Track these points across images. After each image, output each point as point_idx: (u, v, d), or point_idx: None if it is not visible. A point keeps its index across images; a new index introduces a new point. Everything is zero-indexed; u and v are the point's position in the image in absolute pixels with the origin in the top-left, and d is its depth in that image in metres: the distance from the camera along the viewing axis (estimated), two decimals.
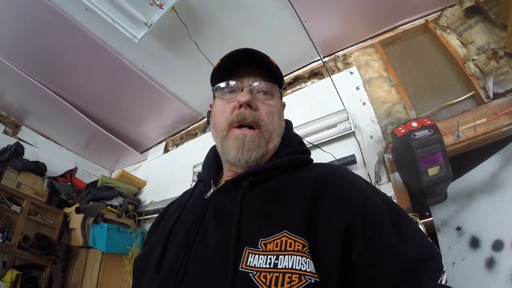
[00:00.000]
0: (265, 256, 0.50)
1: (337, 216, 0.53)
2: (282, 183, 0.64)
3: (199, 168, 2.78)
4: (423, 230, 1.42)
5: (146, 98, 3.03)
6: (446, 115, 1.76)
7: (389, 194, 1.60)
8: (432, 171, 1.36)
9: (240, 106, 0.70)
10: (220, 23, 2.27)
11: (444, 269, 0.52)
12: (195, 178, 2.47)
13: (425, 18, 2.15)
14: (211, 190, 0.71)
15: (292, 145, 0.75)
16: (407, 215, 0.60)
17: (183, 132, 3.53)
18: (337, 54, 2.50)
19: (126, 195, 3.21)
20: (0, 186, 2.79)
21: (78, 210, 2.80)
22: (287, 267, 0.47)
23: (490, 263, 1.34)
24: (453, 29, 1.96)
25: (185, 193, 0.83)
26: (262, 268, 0.49)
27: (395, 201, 1.57)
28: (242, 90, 0.72)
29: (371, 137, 1.91)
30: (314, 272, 0.48)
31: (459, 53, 1.89)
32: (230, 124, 0.70)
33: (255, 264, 0.49)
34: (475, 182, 1.54)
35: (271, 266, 0.48)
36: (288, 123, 0.82)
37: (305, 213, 0.55)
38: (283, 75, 2.62)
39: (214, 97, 0.79)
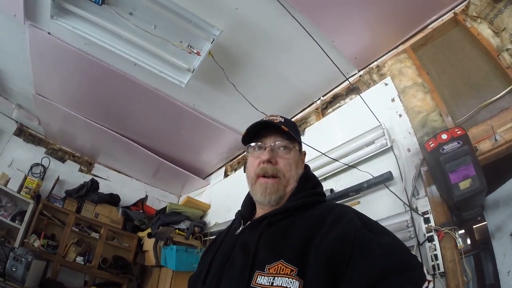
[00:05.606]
0: (268, 277, 0.72)
1: (323, 245, 0.71)
2: (292, 222, 0.84)
3: None
4: (460, 244, 1.40)
5: (202, 131, 3.37)
6: (486, 116, 1.65)
7: (425, 209, 1.59)
8: (464, 184, 1.34)
9: (264, 162, 0.92)
10: (253, 58, 2.46)
11: (429, 278, 0.63)
12: None
13: (453, 11, 2.01)
14: (240, 228, 0.94)
15: (306, 189, 0.94)
16: (389, 232, 0.75)
17: (239, 157, 3.78)
18: (371, 66, 2.47)
19: (192, 219, 3.55)
20: (80, 217, 3.35)
21: (149, 235, 3.18)
22: (279, 285, 0.69)
23: None
24: (484, 17, 1.80)
25: (226, 228, 1.08)
26: (265, 285, 0.71)
27: (431, 216, 1.55)
28: (265, 149, 0.94)
29: (409, 150, 1.87)
30: None
31: (492, 44, 1.75)
32: (257, 175, 0.93)
33: (261, 282, 0.72)
34: None
35: (270, 284, 0.70)
36: (306, 167, 1.02)
37: (300, 246, 0.74)
38: (323, 94, 2.75)
39: (248, 152, 1.01)
